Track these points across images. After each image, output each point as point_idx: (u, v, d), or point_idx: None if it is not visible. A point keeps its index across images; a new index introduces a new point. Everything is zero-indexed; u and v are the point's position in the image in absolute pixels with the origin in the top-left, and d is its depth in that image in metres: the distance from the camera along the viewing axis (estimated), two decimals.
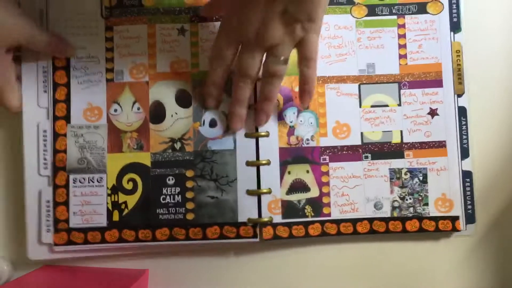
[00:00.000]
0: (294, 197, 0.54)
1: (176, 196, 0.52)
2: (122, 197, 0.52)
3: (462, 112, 0.56)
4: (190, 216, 0.52)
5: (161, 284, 0.54)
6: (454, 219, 0.55)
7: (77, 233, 0.51)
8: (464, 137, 0.56)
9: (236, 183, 0.53)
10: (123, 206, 0.52)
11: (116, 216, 0.52)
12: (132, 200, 0.52)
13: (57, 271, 0.52)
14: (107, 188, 0.52)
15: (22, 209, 0.52)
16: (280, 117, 0.54)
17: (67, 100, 0.52)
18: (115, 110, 0.53)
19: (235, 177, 0.53)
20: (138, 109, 0.53)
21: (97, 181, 0.52)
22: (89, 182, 0.52)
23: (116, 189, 0.52)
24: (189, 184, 0.53)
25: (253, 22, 0.46)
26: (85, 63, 0.53)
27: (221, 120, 0.53)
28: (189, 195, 0.53)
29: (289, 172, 0.54)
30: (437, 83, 0.56)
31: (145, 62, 0.53)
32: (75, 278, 0.50)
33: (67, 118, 0.52)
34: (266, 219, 0.52)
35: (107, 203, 0.52)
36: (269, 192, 0.53)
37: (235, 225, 0.53)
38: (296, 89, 0.54)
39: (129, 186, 0.52)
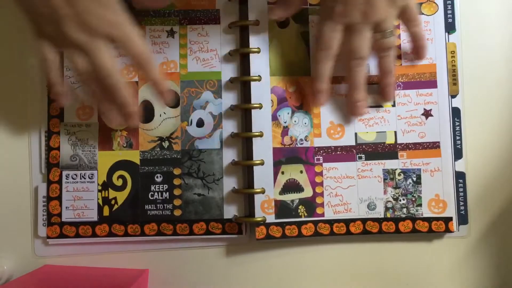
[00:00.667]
0: (287, 197, 0.54)
1: (164, 193, 0.54)
2: (112, 193, 0.54)
3: (455, 113, 0.56)
4: (177, 212, 0.54)
5: (161, 284, 0.55)
6: (448, 220, 0.55)
7: (69, 226, 0.53)
8: (458, 138, 0.56)
9: (222, 182, 0.54)
10: (113, 202, 0.54)
11: (106, 211, 0.54)
12: (121, 196, 0.54)
13: (57, 271, 0.53)
14: (98, 184, 0.54)
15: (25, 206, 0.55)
16: (274, 117, 0.55)
17: None
18: None
19: (221, 175, 0.54)
20: None
21: (89, 177, 0.54)
22: (80, 178, 0.54)
23: (107, 185, 0.54)
24: (177, 181, 0.54)
25: (358, 4, 0.48)
26: None
27: (208, 120, 0.55)
28: (176, 192, 0.54)
29: (282, 172, 0.55)
30: (432, 84, 0.56)
31: None
32: (75, 278, 0.51)
33: (60, 117, 0.54)
34: (259, 219, 0.53)
35: (97, 198, 0.54)
36: (263, 192, 0.54)
37: (221, 222, 0.54)
38: (291, 89, 0.55)
39: (119, 182, 0.54)
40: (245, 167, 0.55)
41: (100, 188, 0.54)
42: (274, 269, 0.56)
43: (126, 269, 0.54)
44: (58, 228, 0.53)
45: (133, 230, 0.54)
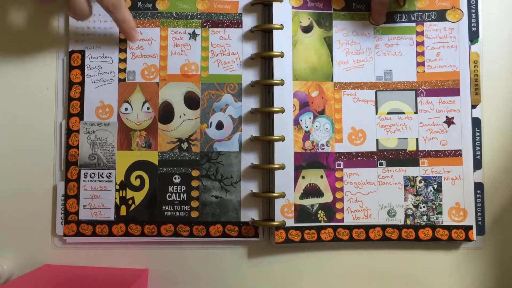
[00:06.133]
0: (307, 202, 0.54)
1: (181, 194, 0.54)
2: (129, 193, 0.54)
3: (476, 123, 0.56)
4: (194, 214, 0.54)
5: (161, 284, 0.55)
6: (468, 228, 0.54)
7: (86, 225, 0.54)
8: (478, 148, 0.56)
9: (240, 185, 0.54)
10: (130, 202, 0.54)
11: (123, 211, 0.54)
12: (139, 196, 0.54)
13: (57, 271, 0.53)
14: (116, 183, 0.54)
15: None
16: (296, 122, 0.54)
17: (81, 98, 0.54)
18: (126, 109, 0.55)
19: (239, 178, 0.54)
20: (148, 109, 0.55)
21: (107, 176, 0.54)
22: (99, 177, 0.54)
23: (124, 185, 0.54)
24: (195, 183, 0.54)
25: None
26: (99, 62, 0.54)
27: (227, 123, 0.55)
28: (194, 193, 0.54)
29: (303, 177, 0.54)
30: (455, 91, 0.56)
31: (156, 64, 0.55)
32: (75, 278, 0.51)
33: (80, 115, 0.54)
34: (278, 223, 0.53)
35: (115, 198, 0.54)
36: (283, 196, 0.53)
37: (237, 225, 0.54)
38: (313, 94, 0.55)
39: (136, 182, 0.54)
40: (264, 171, 0.55)
41: (117, 187, 0.54)
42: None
43: (126, 269, 0.54)
44: (75, 226, 0.53)
45: (150, 230, 0.53)
